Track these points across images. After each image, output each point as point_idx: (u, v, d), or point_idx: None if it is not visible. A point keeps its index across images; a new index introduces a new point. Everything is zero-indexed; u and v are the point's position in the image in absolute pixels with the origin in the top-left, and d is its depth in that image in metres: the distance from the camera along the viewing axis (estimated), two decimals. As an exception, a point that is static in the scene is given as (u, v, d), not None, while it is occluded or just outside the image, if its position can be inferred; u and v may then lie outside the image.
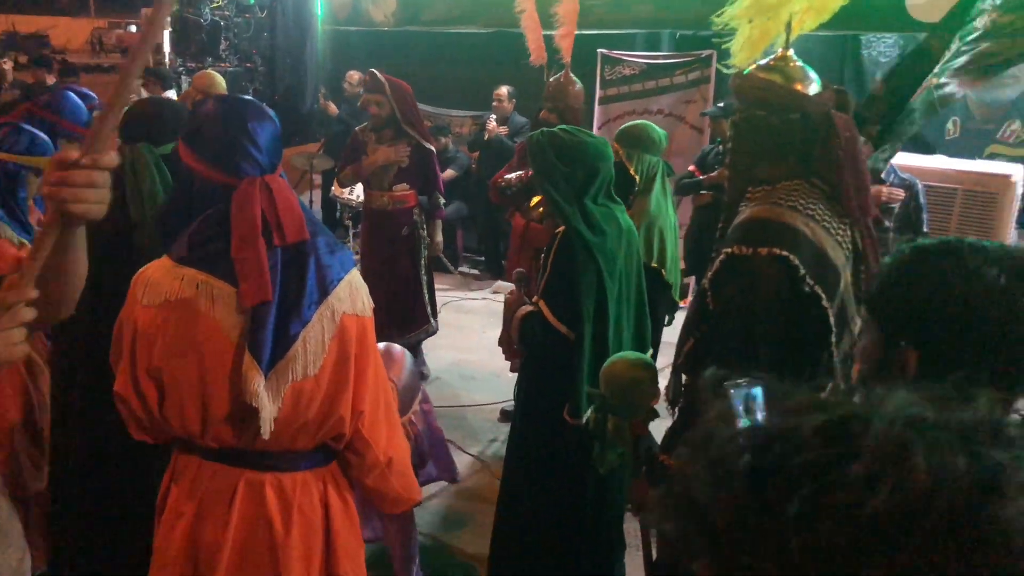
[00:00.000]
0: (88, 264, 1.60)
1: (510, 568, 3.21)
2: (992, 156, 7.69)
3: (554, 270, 2.90)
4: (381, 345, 2.58)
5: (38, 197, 3.23)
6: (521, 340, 3.02)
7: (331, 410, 1.90)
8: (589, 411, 2.67)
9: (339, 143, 6.75)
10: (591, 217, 2.86)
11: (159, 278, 1.86)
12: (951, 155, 6.08)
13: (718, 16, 2.60)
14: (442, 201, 5.57)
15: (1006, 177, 5.06)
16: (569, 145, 2.89)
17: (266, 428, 1.83)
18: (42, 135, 3.10)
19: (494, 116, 7.51)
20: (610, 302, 2.88)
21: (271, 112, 1.97)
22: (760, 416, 0.66)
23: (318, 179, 8.17)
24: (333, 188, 7.80)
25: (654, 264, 3.88)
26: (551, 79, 4.99)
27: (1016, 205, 5.17)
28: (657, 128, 4.04)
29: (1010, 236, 5.07)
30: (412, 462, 2.26)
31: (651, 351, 3.26)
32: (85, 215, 1.40)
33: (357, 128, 5.51)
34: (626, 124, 4.15)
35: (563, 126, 3.09)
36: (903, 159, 4.82)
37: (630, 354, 2.69)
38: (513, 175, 4.82)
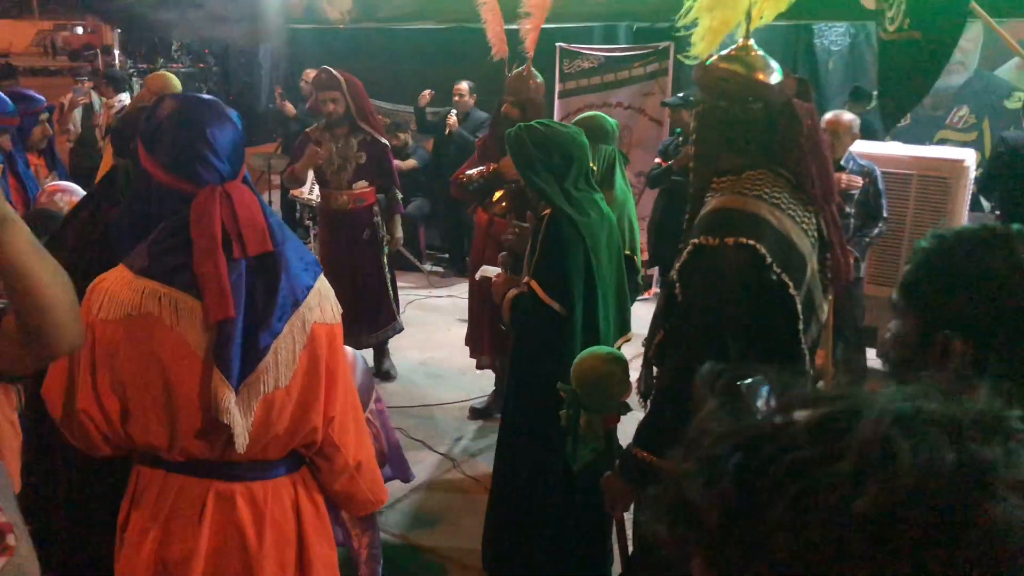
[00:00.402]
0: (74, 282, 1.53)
1: (504, 556, 3.22)
2: (942, 141, 7.85)
3: (543, 250, 2.98)
4: None
5: None
6: (512, 322, 3.09)
7: (303, 419, 1.87)
8: (562, 408, 2.66)
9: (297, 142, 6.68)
10: (574, 200, 2.99)
11: (118, 290, 1.78)
12: (903, 142, 6.17)
13: (681, 9, 2.61)
14: (399, 196, 5.53)
15: (959, 162, 5.15)
16: (545, 135, 3.05)
17: (240, 443, 1.78)
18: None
19: (455, 111, 7.47)
20: (598, 280, 2.99)
21: (232, 113, 1.89)
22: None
23: (276, 179, 8.08)
24: (291, 190, 7.71)
25: (627, 251, 3.91)
26: (512, 72, 4.97)
27: (969, 189, 5.26)
28: (608, 118, 4.09)
29: (963, 220, 5.17)
30: None
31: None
32: None
33: (308, 129, 5.45)
34: (578, 117, 4.18)
35: (540, 120, 3.24)
36: (858, 146, 4.87)
37: (600, 348, 2.70)
38: (475, 170, 4.80)
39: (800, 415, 0.61)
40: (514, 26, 5.36)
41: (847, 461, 0.56)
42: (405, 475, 3.34)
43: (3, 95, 3.84)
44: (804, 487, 0.56)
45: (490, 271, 3.59)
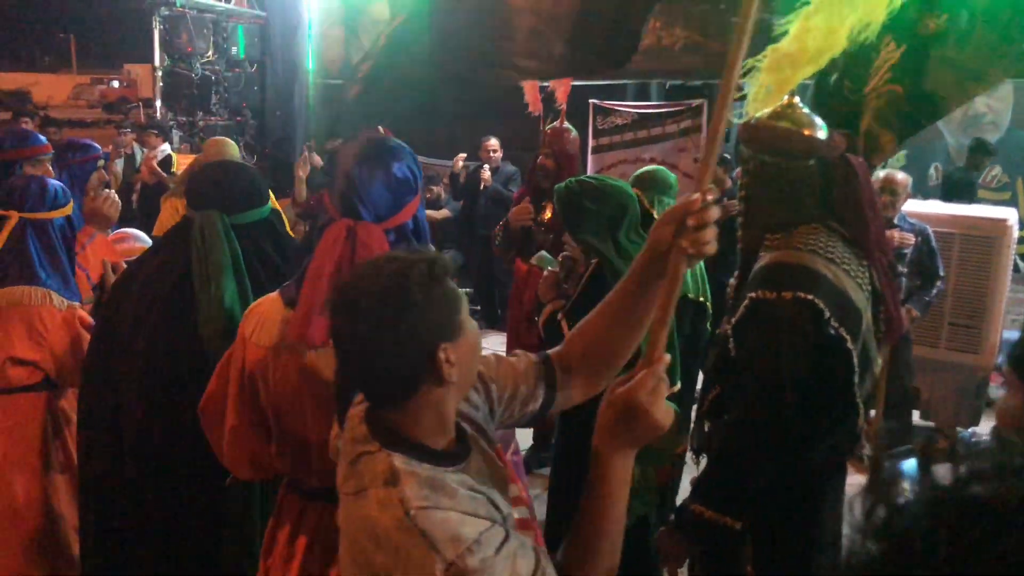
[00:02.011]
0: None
1: None
2: (976, 201, 7.84)
3: (582, 295, 2.98)
4: None
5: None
6: (545, 335, 3.10)
7: None
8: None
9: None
10: (624, 251, 2.99)
11: (269, 317, 1.87)
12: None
13: (746, 67, 2.63)
14: (431, 249, 5.56)
15: (1002, 221, 5.12)
16: (597, 188, 3.08)
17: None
18: (56, 182, 3.09)
19: (487, 166, 7.57)
20: None
21: (398, 167, 1.90)
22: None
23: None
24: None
25: (701, 298, 3.89)
26: (548, 126, 5.04)
27: (1013, 248, 5.23)
28: (669, 172, 4.13)
29: (1007, 281, 5.13)
30: None
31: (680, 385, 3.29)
32: (709, 253, 1.43)
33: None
34: (640, 170, 4.22)
35: (589, 176, 3.30)
36: (906, 205, 4.87)
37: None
38: (499, 226, 4.86)
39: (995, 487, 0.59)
40: (545, 83, 5.46)
41: None
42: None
43: (34, 133, 4.08)
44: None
45: (548, 262, 3.57)
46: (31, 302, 2.85)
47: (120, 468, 2.37)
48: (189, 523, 2.32)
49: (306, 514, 1.93)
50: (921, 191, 6.99)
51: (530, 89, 5.49)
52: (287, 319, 1.85)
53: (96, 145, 4.19)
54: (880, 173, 4.78)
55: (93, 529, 2.50)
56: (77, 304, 2.97)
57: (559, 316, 3.06)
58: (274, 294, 1.92)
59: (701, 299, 3.86)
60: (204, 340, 2.22)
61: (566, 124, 5.00)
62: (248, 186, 2.42)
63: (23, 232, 2.92)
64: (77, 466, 2.69)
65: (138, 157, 8.24)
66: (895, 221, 4.64)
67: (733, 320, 2.40)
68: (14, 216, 2.93)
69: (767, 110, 2.50)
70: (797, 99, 2.49)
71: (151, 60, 9.43)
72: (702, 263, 3.98)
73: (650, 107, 7.55)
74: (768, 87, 2.49)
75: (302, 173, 6.74)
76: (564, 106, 5.08)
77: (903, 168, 6.42)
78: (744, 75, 2.56)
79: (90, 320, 2.95)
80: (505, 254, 4.97)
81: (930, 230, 4.78)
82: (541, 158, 4.89)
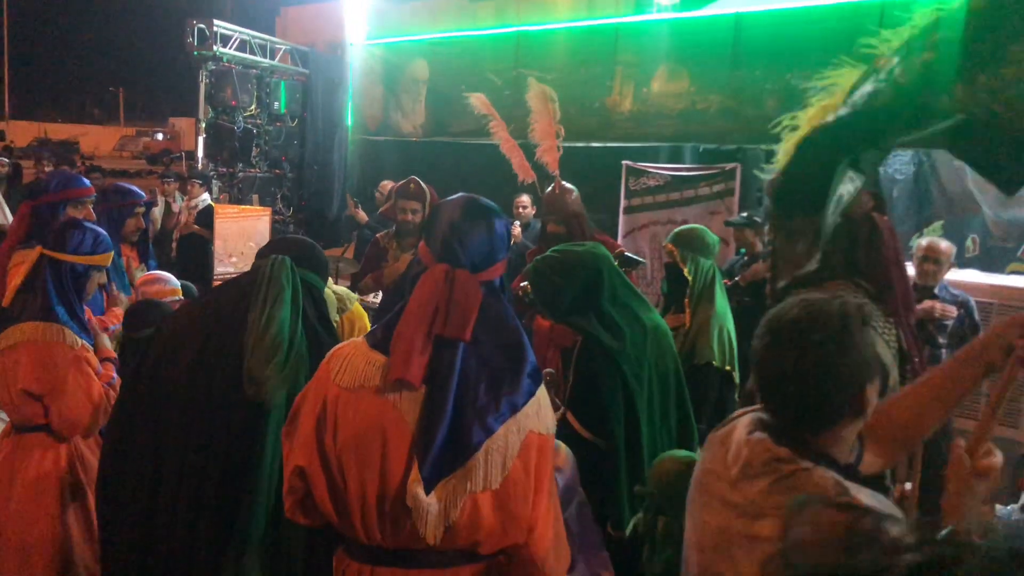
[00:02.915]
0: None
1: None
2: (1013, 274, 7.73)
3: (577, 377, 2.89)
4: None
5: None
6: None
7: (507, 524, 1.86)
8: (638, 513, 2.60)
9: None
10: (607, 319, 2.86)
11: (354, 359, 1.88)
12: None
13: (749, 133, 2.66)
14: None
15: (1041, 291, 5.05)
16: (563, 261, 2.96)
17: (426, 532, 1.80)
18: (103, 232, 3.16)
19: (518, 223, 7.62)
20: (639, 406, 2.83)
21: (496, 219, 1.98)
22: None
23: (344, 283, 8.24)
24: (363, 295, 7.84)
25: (728, 367, 3.83)
26: (545, 193, 4.98)
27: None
28: (711, 233, 4.06)
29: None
30: None
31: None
32: None
33: (378, 236, 5.52)
34: (681, 227, 4.19)
35: (551, 251, 3.12)
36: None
37: (680, 452, 2.64)
38: (525, 283, 4.83)
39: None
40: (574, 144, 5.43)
41: None
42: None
43: (78, 176, 4.25)
44: None
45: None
46: (45, 339, 2.88)
47: (146, 510, 2.35)
48: (209, 546, 2.29)
49: None
50: (958, 262, 6.91)
51: (516, 159, 5.50)
52: (372, 360, 1.87)
53: (139, 191, 4.28)
54: (923, 241, 4.73)
55: (112, 570, 2.48)
56: (89, 345, 3.00)
57: (561, 411, 2.96)
58: (359, 338, 1.95)
59: (728, 368, 3.82)
60: (244, 348, 2.25)
61: (566, 185, 4.92)
62: (319, 256, 2.58)
63: (42, 267, 2.98)
64: (94, 506, 2.68)
65: (179, 205, 8.41)
66: (936, 291, 4.55)
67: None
68: (38, 250, 3.00)
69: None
70: None
71: (196, 113, 9.67)
72: (731, 330, 3.95)
73: (683, 169, 7.59)
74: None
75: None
76: (557, 173, 5.04)
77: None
78: (774, 129, 2.58)
79: (97, 364, 2.98)
80: (527, 311, 4.96)
81: (973, 302, 4.67)
82: (550, 226, 4.85)
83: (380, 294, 6.96)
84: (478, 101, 5.49)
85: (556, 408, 3.04)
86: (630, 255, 4.49)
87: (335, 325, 2.91)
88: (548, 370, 3.35)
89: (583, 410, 2.86)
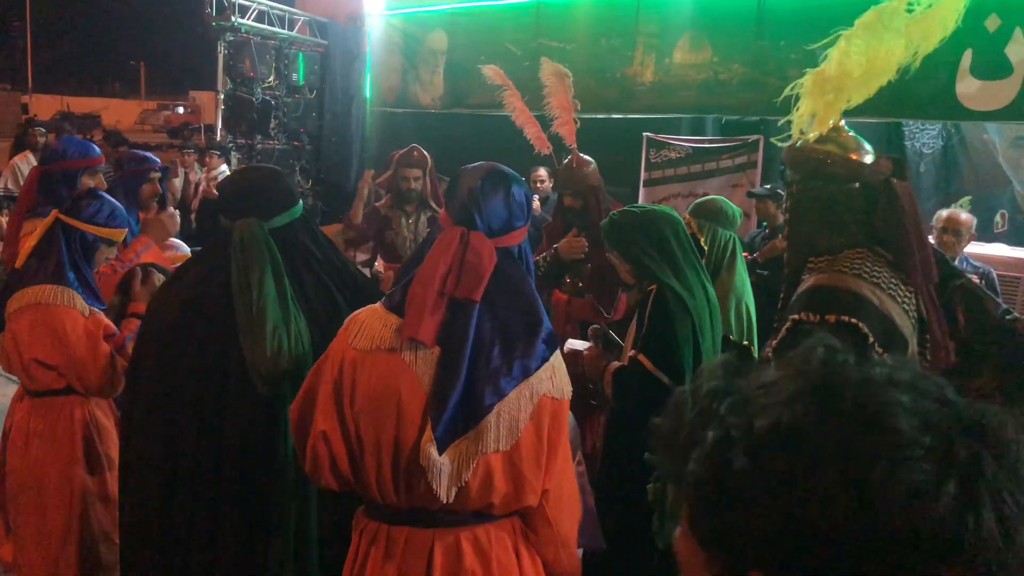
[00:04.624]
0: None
1: None
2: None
3: (651, 324, 2.95)
4: None
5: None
6: (615, 395, 3.03)
7: (520, 487, 1.88)
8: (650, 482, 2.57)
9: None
10: (682, 276, 2.97)
11: (370, 322, 1.90)
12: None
13: (772, 103, 2.60)
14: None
15: (1070, 264, 4.96)
16: (643, 216, 3.08)
17: (440, 494, 1.82)
18: (121, 208, 3.16)
19: (537, 196, 7.57)
20: (703, 356, 2.94)
21: (515, 186, 2.01)
22: None
23: (363, 256, 8.23)
24: (376, 264, 7.83)
25: (744, 342, 3.77)
26: (561, 166, 4.90)
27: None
28: (731, 204, 3.99)
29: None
30: None
31: None
32: None
33: (377, 204, 5.53)
34: (701, 198, 4.13)
35: (629, 206, 3.26)
36: (968, 247, 4.73)
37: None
38: (540, 256, 4.78)
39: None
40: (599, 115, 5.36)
41: None
42: (598, 544, 3.24)
43: (90, 143, 4.33)
44: None
45: (577, 344, 3.53)
46: (56, 302, 2.88)
47: (163, 475, 2.35)
48: (233, 535, 2.29)
49: (393, 540, 1.92)
50: (985, 238, 6.80)
51: (532, 130, 5.42)
52: (388, 323, 1.88)
53: (154, 158, 4.27)
54: (943, 212, 4.67)
55: (131, 537, 2.48)
56: (100, 311, 3.00)
57: (631, 354, 3.01)
58: (376, 304, 1.96)
59: (745, 343, 3.77)
60: (244, 349, 2.21)
61: (583, 157, 4.84)
62: (280, 188, 2.45)
63: (56, 231, 2.97)
64: (117, 467, 2.69)
65: (197, 177, 8.42)
66: (956, 263, 4.50)
67: (774, 343, 2.34)
68: (54, 214, 2.99)
69: (813, 134, 2.46)
70: (844, 123, 2.47)
71: (215, 87, 9.66)
72: (750, 304, 3.89)
73: (705, 141, 7.49)
74: (813, 112, 2.44)
75: (366, 190, 6.66)
76: (574, 145, 4.96)
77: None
78: (782, 100, 2.51)
79: (113, 328, 2.98)
80: (547, 284, 4.91)
81: (994, 273, 4.62)
82: (566, 199, 4.79)
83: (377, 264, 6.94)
84: (492, 72, 5.42)
85: (618, 350, 3.18)
86: None
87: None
88: (594, 326, 3.38)
89: (656, 351, 2.93)
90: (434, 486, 1.80)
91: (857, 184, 2.39)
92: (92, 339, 2.90)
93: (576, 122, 4.99)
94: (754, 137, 7.02)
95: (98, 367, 2.89)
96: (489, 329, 1.85)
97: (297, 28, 10.20)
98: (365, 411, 1.85)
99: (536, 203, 7.49)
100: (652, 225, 3.04)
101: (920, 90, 5.69)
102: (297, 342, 2.25)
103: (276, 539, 2.27)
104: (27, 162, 7.97)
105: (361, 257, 7.50)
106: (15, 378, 3.29)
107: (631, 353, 3.03)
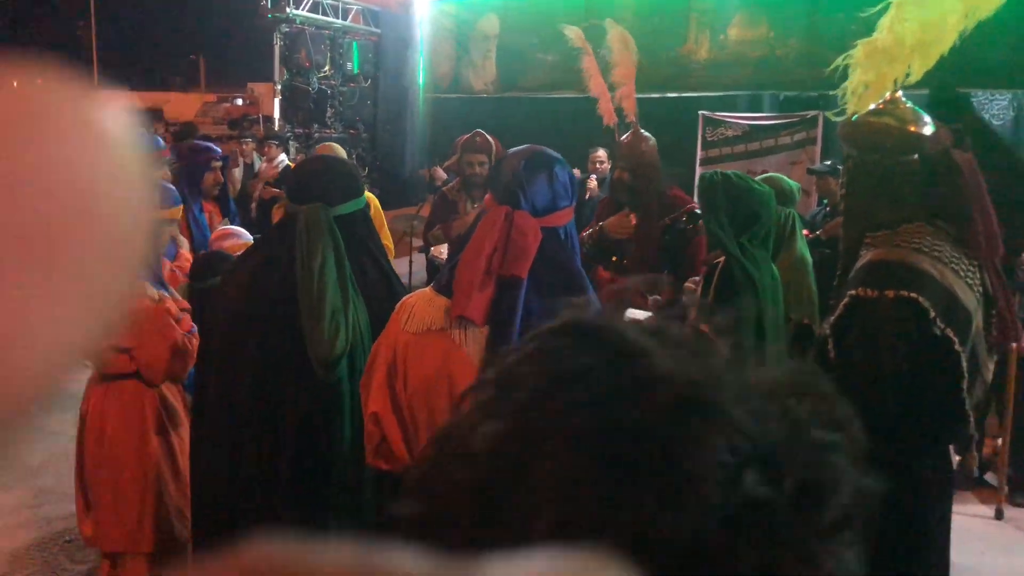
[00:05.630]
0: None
1: None
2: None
3: (717, 295, 2.97)
4: None
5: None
6: None
7: None
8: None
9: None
10: (747, 254, 2.97)
11: (420, 306, 1.94)
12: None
13: (841, 61, 2.56)
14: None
15: None
16: (737, 186, 3.04)
17: None
18: (171, 187, 3.24)
19: (594, 176, 7.55)
20: (767, 332, 2.95)
21: (558, 167, 2.04)
22: None
23: (418, 242, 8.31)
24: (432, 249, 7.90)
25: (806, 320, 3.74)
26: (623, 138, 4.89)
27: None
28: (789, 179, 3.96)
29: None
30: None
31: None
32: None
33: (445, 188, 5.56)
34: (762, 175, 4.09)
35: (740, 175, 3.23)
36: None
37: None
38: (587, 233, 4.77)
39: None
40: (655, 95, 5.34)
41: None
42: None
43: (156, 136, 4.40)
44: None
45: (637, 314, 3.52)
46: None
47: (229, 456, 2.42)
48: (293, 516, 2.34)
49: None
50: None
51: (604, 102, 5.40)
52: (437, 304, 1.92)
53: (216, 148, 4.38)
54: None
55: (202, 512, 2.57)
56: (168, 296, 3.09)
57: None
58: (425, 288, 2.00)
59: (805, 321, 3.73)
60: (306, 333, 2.24)
61: (643, 132, 4.82)
62: (348, 177, 2.48)
63: None
64: (187, 447, 2.79)
65: (256, 166, 8.58)
66: None
67: (832, 319, 2.31)
68: None
69: (870, 106, 2.42)
70: (901, 94, 2.42)
71: (272, 78, 9.81)
72: (813, 283, 3.85)
73: (763, 118, 7.38)
74: (866, 83, 2.39)
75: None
76: (635, 118, 4.93)
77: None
78: (838, 73, 2.48)
79: (177, 310, 3.07)
80: (592, 261, 4.91)
81: None
82: (617, 172, 4.76)
83: (447, 247, 7.02)
84: (573, 34, 5.42)
85: (685, 319, 3.13)
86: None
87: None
88: (655, 297, 3.38)
89: (720, 320, 2.94)
90: None
91: (916, 156, 2.34)
92: (162, 323, 3.00)
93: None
94: (813, 113, 6.90)
95: (172, 349, 2.99)
96: (537, 307, 1.86)
97: (350, 17, 10.31)
98: (418, 392, 1.88)
99: (593, 183, 7.47)
100: (742, 199, 3.02)
101: (987, 57, 5.54)
102: (355, 328, 2.28)
103: (334, 521, 2.31)
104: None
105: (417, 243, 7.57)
106: (89, 363, 3.42)
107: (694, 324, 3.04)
